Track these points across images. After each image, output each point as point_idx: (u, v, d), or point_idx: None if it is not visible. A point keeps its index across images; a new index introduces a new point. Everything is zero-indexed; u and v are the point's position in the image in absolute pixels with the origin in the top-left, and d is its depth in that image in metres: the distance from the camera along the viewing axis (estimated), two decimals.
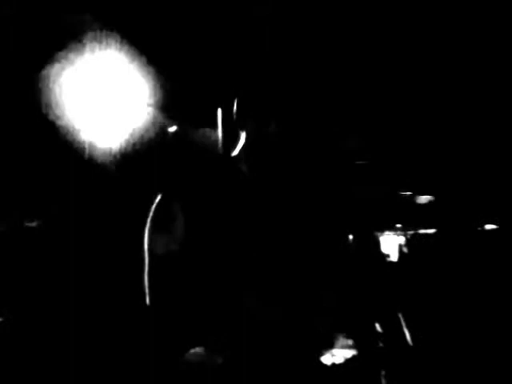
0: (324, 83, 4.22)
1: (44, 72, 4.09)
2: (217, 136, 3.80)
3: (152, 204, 3.16)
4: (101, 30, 4.08)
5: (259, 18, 4.15)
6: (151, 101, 4.09)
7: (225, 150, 3.68)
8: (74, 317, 4.05)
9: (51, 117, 4.12)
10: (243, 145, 3.16)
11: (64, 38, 4.07)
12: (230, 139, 3.39)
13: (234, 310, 3.19)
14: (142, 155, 4.05)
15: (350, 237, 4.35)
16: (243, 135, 3.19)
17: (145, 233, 3.14)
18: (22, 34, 4.09)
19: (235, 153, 3.17)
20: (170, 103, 4.15)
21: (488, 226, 4.30)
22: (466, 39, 4.20)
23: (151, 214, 3.12)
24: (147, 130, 4.09)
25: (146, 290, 3.10)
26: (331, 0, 4.13)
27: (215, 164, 3.37)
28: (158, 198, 3.15)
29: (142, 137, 4.07)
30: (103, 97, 4.23)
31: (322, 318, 3.77)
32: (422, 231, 4.35)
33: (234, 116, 3.23)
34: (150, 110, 4.07)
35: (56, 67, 4.11)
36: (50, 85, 4.11)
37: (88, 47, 4.07)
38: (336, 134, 4.33)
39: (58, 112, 4.11)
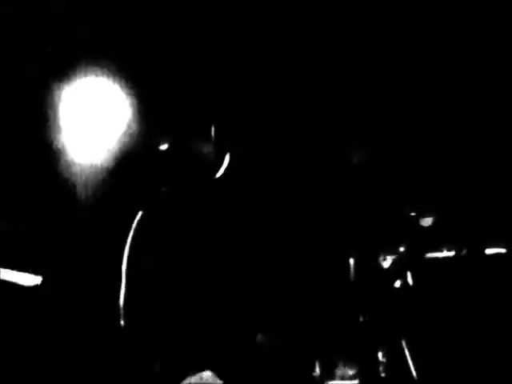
0: (320, 82, 4.09)
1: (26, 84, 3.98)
2: (209, 150, 3.67)
3: (135, 220, 3.08)
4: (89, 41, 3.96)
5: (253, 26, 4.05)
6: (140, 116, 3.96)
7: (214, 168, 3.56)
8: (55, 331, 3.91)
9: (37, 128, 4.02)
10: (228, 166, 3.05)
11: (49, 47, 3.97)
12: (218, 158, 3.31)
13: (229, 325, 3.08)
14: (129, 171, 3.93)
15: (351, 261, 4.19)
16: (227, 158, 3.08)
17: (124, 251, 3.03)
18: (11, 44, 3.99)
19: (219, 174, 3.06)
20: (161, 118, 4.03)
21: (496, 250, 4.11)
22: (469, 46, 4.07)
23: (133, 231, 3.01)
24: (135, 146, 3.96)
25: (121, 311, 2.97)
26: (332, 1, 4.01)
27: (206, 180, 3.31)
28: (140, 215, 3.04)
29: (129, 152, 3.94)
30: (90, 111, 4.10)
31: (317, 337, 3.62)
32: (426, 255, 4.17)
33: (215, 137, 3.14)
34: (138, 125, 3.94)
35: (39, 79, 3.99)
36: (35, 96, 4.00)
37: (74, 59, 3.95)
38: (341, 146, 4.18)
39: (45, 124, 4.00)
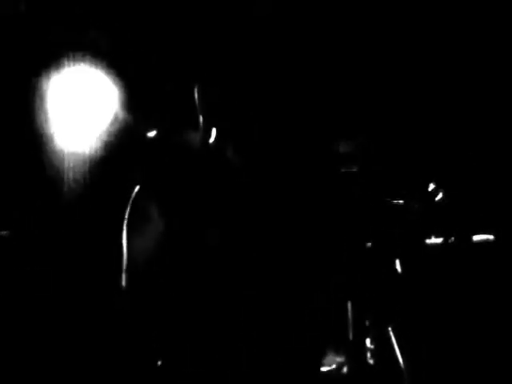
0: (319, 83, 3.91)
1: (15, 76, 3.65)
2: (197, 138, 3.50)
3: (128, 206, 3.03)
4: (79, 30, 3.56)
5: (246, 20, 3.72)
6: (128, 105, 3.70)
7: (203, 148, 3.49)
8: (54, 319, 3.86)
9: (25, 119, 3.73)
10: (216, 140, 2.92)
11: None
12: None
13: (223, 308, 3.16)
14: (118, 159, 3.73)
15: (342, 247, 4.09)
16: (214, 131, 3.22)
17: (122, 234, 3.01)
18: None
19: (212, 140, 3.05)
20: (149, 106, 3.77)
21: (483, 237, 4.09)
22: (464, 42, 3.89)
23: (127, 215, 2.98)
24: (124, 134, 3.73)
25: (124, 291, 3.02)
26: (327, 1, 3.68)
27: (196, 165, 3.27)
28: (132, 199, 3.01)
29: (118, 141, 3.71)
30: (79, 101, 4.02)
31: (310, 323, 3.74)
32: (415, 242, 4.10)
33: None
34: (126, 114, 3.68)
35: (28, 71, 3.65)
36: (23, 89, 3.68)
37: (64, 49, 3.58)
38: (327, 138, 4.01)
39: (32, 116, 3.69)
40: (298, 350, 3.28)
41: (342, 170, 3.89)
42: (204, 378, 2.90)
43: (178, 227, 3.16)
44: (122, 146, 3.65)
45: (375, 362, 4.08)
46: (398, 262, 4.08)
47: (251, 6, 3.81)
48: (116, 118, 3.78)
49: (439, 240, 4.08)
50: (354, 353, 4.08)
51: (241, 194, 3.35)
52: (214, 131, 3.57)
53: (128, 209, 3.12)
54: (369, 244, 4.06)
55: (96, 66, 3.71)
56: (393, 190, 4.01)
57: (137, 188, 3.12)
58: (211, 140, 3.54)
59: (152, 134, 3.61)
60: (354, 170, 3.92)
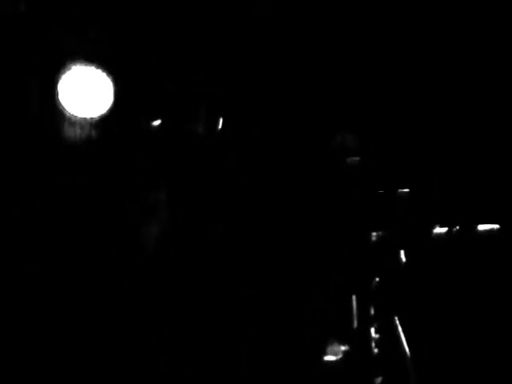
0: (319, 81, 3.92)
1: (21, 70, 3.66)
2: (202, 130, 3.53)
3: (136, 198, 3.08)
4: (79, 30, 3.83)
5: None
6: (130, 100, 3.73)
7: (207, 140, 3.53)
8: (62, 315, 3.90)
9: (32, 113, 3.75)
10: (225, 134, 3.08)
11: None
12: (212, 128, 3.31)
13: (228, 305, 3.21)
14: (121, 154, 3.76)
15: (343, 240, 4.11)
16: (221, 120, 3.26)
17: (126, 228, 3.07)
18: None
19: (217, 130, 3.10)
20: (152, 101, 3.78)
21: (487, 226, 4.09)
22: (460, 36, 3.87)
23: (135, 206, 3.03)
24: (126, 129, 3.76)
25: (127, 287, 3.07)
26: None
27: (200, 156, 3.31)
28: (136, 192, 3.06)
29: (121, 136, 3.75)
30: (79, 100, 4.01)
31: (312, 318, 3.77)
32: (420, 232, 4.11)
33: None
34: (128, 109, 3.73)
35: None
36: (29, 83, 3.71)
37: (64, 49, 3.60)
38: (329, 131, 4.02)
39: (32, 116, 3.70)
40: (298, 349, 3.31)
41: (345, 162, 3.90)
42: (204, 378, 2.93)
43: (181, 221, 3.18)
44: (124, 141, 3.66)
45: (380, 351, 4.11)
46: (402, 252, 4.10)
47: (251, 5, 3.81)
48: (118, 114, 3.80)
49: (444, 230, 4.08)
50: (359, 342, 4.11)
51: (241, 191, 3.37)
52: (220, 121, 3.60)
53: (132, 203, 3.14)
54: (373, 234, 4.08)
55: (96, 65, 3.72)
56: (396, 181, 4.03)
57: (141, 182, 3.15)
58: (217, 131, 3.56)
59: (156, 126, 3.64)
60: (357, 160, 3.93)
